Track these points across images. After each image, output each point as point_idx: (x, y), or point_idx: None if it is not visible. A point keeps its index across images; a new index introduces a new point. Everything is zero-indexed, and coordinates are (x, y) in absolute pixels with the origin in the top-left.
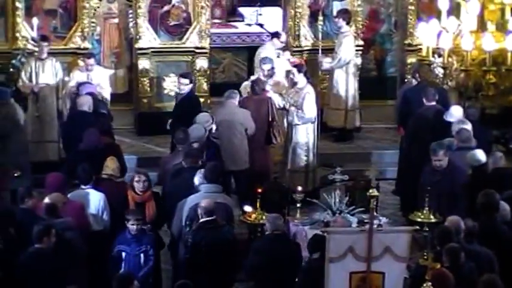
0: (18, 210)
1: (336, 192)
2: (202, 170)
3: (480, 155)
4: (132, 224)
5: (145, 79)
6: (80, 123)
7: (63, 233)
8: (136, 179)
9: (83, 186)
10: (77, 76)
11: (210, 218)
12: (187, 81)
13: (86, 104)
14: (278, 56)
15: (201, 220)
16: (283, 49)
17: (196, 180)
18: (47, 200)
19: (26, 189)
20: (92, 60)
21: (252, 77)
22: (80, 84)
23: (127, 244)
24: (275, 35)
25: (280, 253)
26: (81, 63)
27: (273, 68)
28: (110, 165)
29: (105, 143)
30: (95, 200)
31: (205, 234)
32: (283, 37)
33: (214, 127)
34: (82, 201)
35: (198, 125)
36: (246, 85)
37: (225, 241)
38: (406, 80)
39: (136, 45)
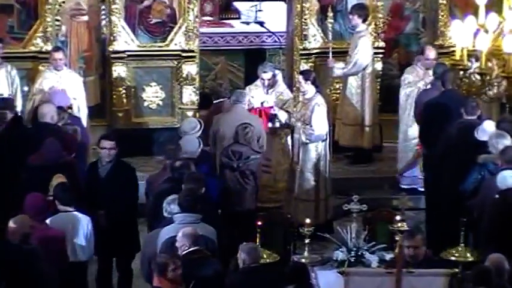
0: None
1: (352, 225)
2: (175, 196)
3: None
4: None
5: (120, 89)
6: (43, 137)
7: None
8: (172, 266)
9: (68, 209)
10: (46, 79)
11: (193, 249)
12: (113, 143)
13: (48, 113)
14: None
15: (185, 251)
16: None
17: (166, 208)
18: (11, 224)
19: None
20: (60, 54)
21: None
22: (51, 93)
23: None
24: (420, 52)
25: None
26: (42, 68)
27: (274, 76)
28: None
29: (65, 160)
30: (84, 225)
31: (188, 266)
32: (433, 53)
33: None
34: (68, 227)
35: (190, 137)
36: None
37: (209, 275)
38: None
39: (110, 48)
